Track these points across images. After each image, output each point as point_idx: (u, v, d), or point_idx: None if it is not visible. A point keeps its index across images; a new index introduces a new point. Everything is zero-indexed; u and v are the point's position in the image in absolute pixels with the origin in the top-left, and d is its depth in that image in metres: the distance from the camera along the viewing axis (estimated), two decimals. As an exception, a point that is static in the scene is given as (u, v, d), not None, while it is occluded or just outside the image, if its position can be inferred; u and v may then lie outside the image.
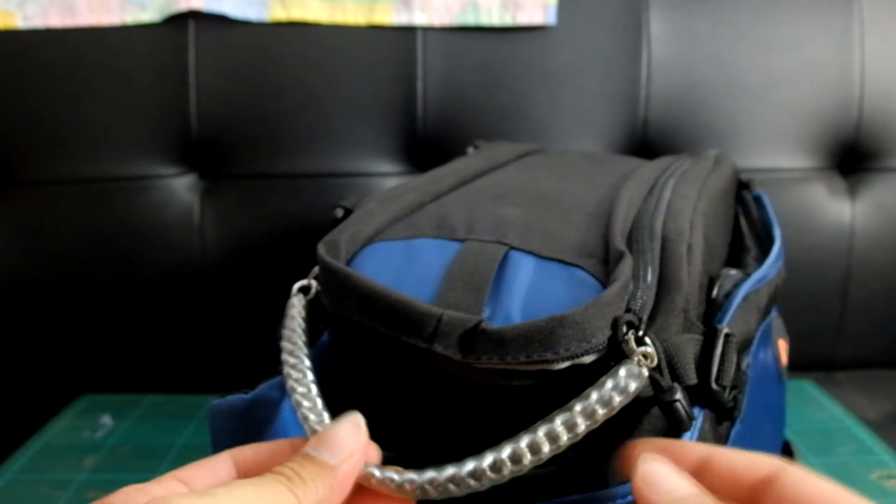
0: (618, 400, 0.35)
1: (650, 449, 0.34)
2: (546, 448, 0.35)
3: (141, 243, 0.87)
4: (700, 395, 0.40)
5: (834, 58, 0.89)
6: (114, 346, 0.89)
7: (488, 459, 0.35)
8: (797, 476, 0.30)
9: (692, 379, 0.39)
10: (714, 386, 0.39)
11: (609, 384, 0.35)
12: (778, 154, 0.90)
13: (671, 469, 0.31)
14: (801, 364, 0.89)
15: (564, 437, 0.35)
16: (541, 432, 0.35)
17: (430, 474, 0.35)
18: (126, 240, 0.87)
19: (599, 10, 0.89)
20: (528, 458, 0.35)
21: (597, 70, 0.89)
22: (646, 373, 0.36)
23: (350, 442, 0.34)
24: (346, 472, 0.33)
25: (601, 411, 0.35)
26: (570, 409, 0.35)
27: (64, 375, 0.90)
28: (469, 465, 0.35)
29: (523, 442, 0.35)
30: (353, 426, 0.35)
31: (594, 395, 0.35)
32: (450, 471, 0.35)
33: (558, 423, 0.35)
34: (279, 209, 0.88)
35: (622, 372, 0.35)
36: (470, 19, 0.88)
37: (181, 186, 0.88)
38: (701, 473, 0.32)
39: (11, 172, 0.87)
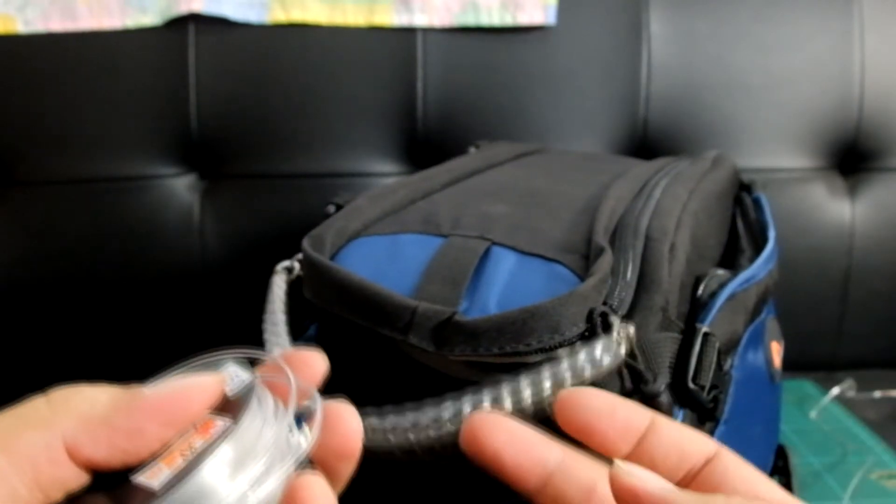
0: (588, 371, 0.35)
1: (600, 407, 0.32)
2: (508, 403, 0.35)
3: (141, 243, 0.88)
4: (677, 394, 0.39)
5: (834, 58, 0.89)
6: (114, 346, 0.89)
7: (448, 409, 0.35)
8: (731, 458, 0.31)
9: (666, 377, 0.39)
10: (691, 385, 0.39)
11: (583, 354, 0.35)
12: (778, 154, 0.90)
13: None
14: (801, 364, 0.89)
15: (527, 394, 0.35)
16: (504, 388, 0.35)
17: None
18: (126, 240, 0.87)
19: (599, 10, 0.89)
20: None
21: (597, 70, 0.89)
22: (623, 351, 0.36)
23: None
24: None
25: (570, 379, 0.35)
26: (538, 371, 0.35)
27: (64, 375, 0.90)
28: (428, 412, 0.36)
29: (485, 396, 0.35)
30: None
31: (566, 362, 0.35)
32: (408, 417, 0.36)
33: (523, 380, 0.35)
34: (279, 209, 0.88)
35: (599, 345, 0.35)
36: (470, 20, 0.88)
37: (181, 186, 0.88)
38: (645, 441, 0.32)
39: (11, 172, 0.87)
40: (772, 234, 0.60)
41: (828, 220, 0.90)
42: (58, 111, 0.86)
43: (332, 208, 0.57)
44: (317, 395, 0.31)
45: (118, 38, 0.86)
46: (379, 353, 0.40)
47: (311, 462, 0.30)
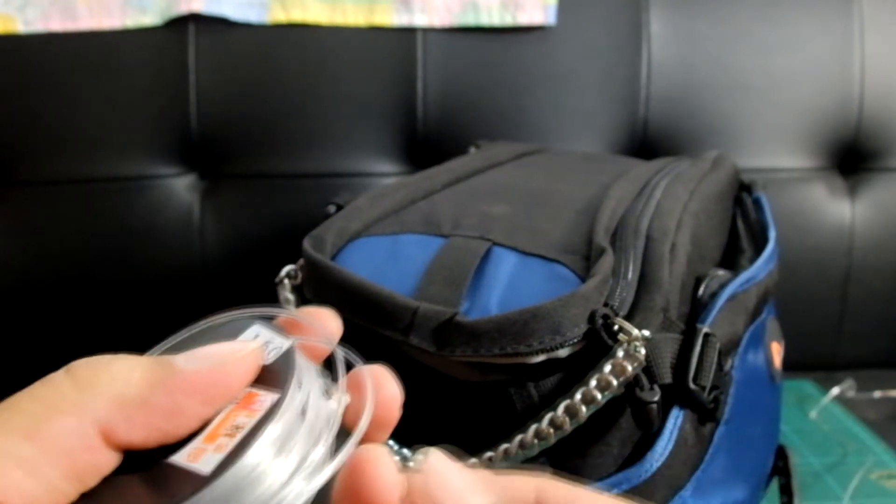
0: (615, 383, 0.35)
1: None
2: (552, 437, 0.35)
3: (141, 243, 0.88)
4: (678, 394, 0.39)
5: (834, 58, 0.89)
6: (114, 346, 0.89)
7: (502, 447, 0.36)
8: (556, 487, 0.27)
9: (667, 378, 0.39)
10: (692, 385, 0.39)
11: (607, 367, 0.35)
12: (778, 154, 0.90)
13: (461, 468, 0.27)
14: (801, 364, 0.88)
15: (567, 425, 0.35)
16: (545, 422, 0.35)
17: None
18: (126, 240, 0.87)
19: (599, 10, 0.89)
20: (536, 446, 0.35)
21: (597, 70, 0.89)
22: (643, 352, 0.36)
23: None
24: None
25: (600, 396, 0.35)
26: (571, 396, 0.35)
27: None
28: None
29: (530, 432, 0.36)
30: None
31: (593, 381, 0.35)
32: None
33: (560, 410, 0.35)
34: (279, 209, 0.88)
35: (619, 353, 0.36)
36: (470, 19, 0.88)
37: (181, 186, 0.88)
38: None
39: (11, 172, 0.87)
40: (772, 234, 0.60)
41: (828, 220, 0.90)
42: (58, 111, 0.86)
43: (332, 208, 0.57)
44: (358, 359, 0.29)
45: (118, 38, 0.86)
46: (379, 353, 0.40)
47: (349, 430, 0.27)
